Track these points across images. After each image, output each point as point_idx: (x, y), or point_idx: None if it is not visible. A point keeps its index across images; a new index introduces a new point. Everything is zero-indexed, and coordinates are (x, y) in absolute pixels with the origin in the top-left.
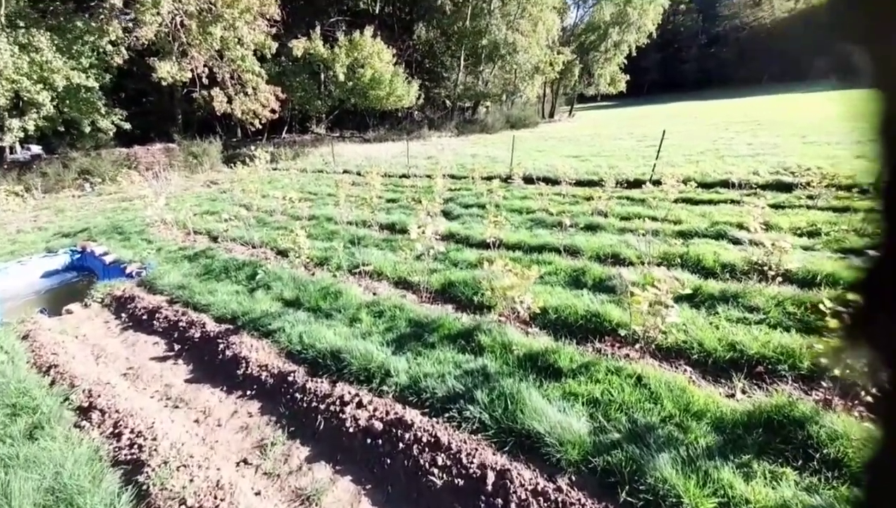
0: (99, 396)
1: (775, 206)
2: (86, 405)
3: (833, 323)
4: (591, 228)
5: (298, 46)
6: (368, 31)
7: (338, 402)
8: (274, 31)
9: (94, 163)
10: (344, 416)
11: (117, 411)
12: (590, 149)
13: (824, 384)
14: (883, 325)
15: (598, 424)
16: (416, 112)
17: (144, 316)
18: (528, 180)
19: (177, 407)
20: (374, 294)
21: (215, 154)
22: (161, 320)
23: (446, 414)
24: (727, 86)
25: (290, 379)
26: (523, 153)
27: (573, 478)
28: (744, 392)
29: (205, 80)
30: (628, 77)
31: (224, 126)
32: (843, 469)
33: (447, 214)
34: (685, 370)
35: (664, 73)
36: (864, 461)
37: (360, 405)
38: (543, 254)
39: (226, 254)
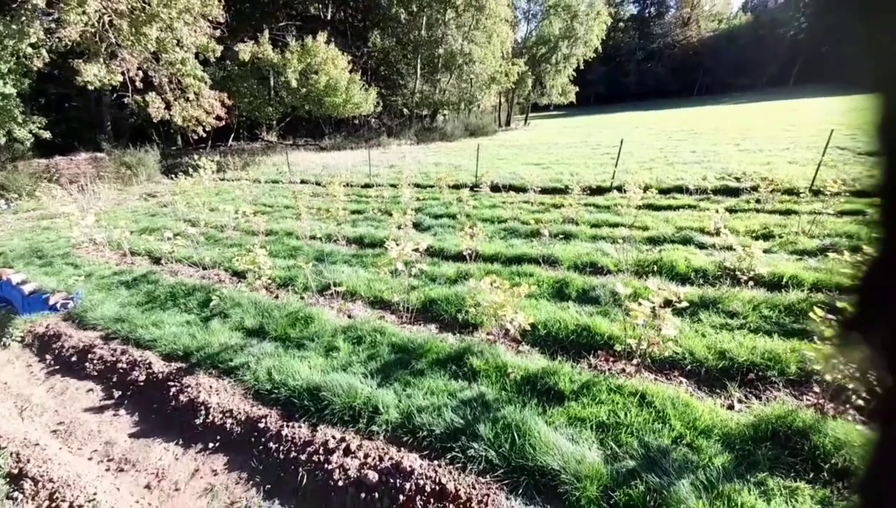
0: (28, 461)
1: (729, 210)
2: (16, 471)
3: (829, 331)
4: (565, 236)
5: (245, 50)
6: (322, 36)
7: (321, 450)
8: (218, 33)
9: (9, 177)
10: (330, 467)
11: (51, 480)
12: (549, 157)
13: (815, 388)
14: (881, 328)
15: (611, 451)
16: (374, 120)
17: (74, 358)
18: (495, 188)
19: (122, 469)
20: (350, 317)
21: (152, 164)
22: (95, 361)
23: (448, 455)
24: (663, 98)
25: (262, 425)
26: (486, 161)
27: None
28: (741, 401)
29: (139, 84)
30: (577, 88)
31: (162, 134)
32: (851, 478)
33: (417, 226)
34: (681, 382)
35: (608, 85)
36: (861, 463)
37: (347, 451)
38: (522, 265)
39: (172, 279)
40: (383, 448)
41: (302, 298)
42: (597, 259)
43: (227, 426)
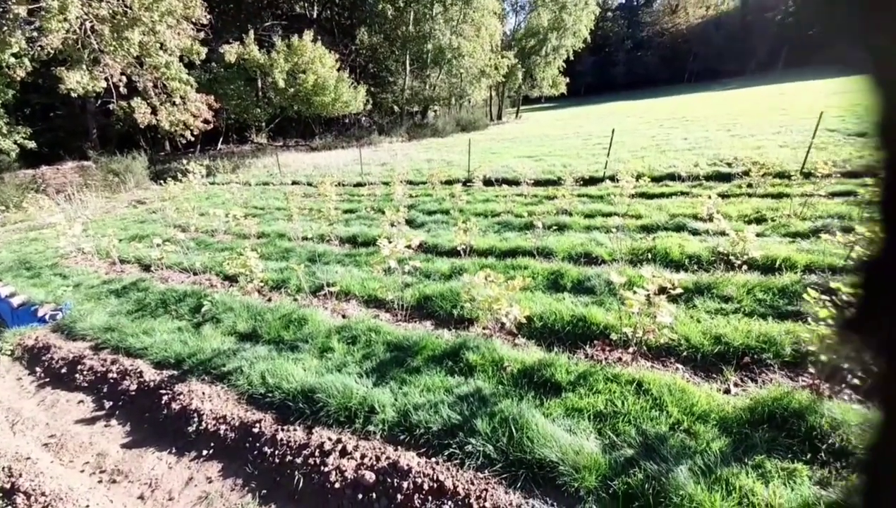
0: (21, 475)
1: (721, 196)
2: (8, 486)
3: (823, 312)
4: (559, 228)
5: (231, 52)
6: (308, 35)
7: (317, 452)
8: (202, 35)
9: None
10: (326, 469)
11: (44, 493)
12: (541, 149)
13: (811, 370)
14: (883, 322)
15: (609, 441)
16: (364, 118)
17: (64, 369)
18: (488, 182)
19: (114, 481)
20: (344, 317)
21: (140, 170)
22: (85, 372)
23: (446, 452)
24: (653, 86)
25: (256, 430)
26: (478, 155)
27: None
28: (737, 385)
29: (123, 90)
30: (568, 79)
31: (149, 139)
32: (850, 458)
33: (411, 222)
34: (677, 368)
35: (598, 75)
36: (862, 451)
37: (344, 453)
38: (517, 258)
39: (162, 285)
40: (380, 448)
41: (295, 300)
42: (591, 249)
43: (221, 432)
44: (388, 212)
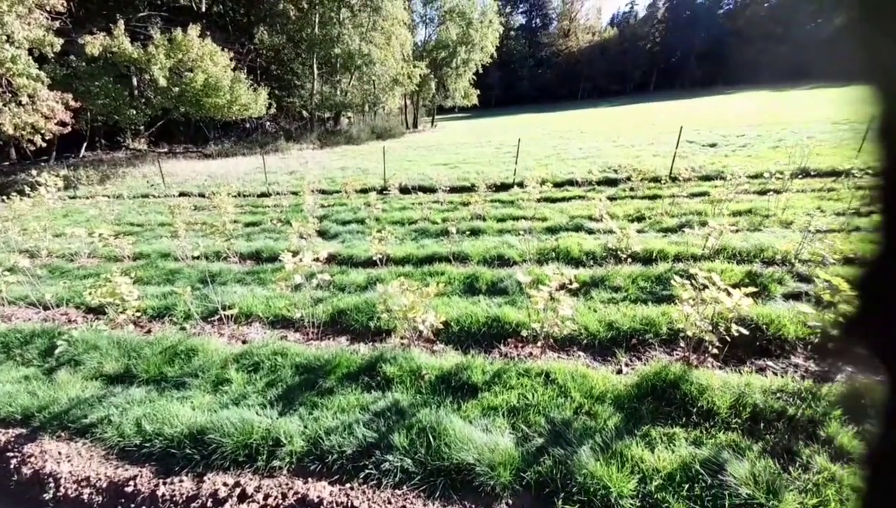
0: None
1: (610, 198)
2: None
3: (685, 294)
4: (474, 232)
5: (95, 44)
6: (194, 29)
7: (209, 503)
8: (57, 24)
9: None
10: None
11: None
12: (456, 157)
13: (682, 344)
14: (881, 325)
15: (522, 433)
16: (269, 123)
17: None
18: (405, 190)
19: None
20: (244, 342)
21: None
22: None
23: (361, 475)
24: (553, 101)
25: (130, 488)
26: (394, 163)
27: (510, 502)
28: (627, 365)
29: None
30: (479, 92)
31: None
32: (715, 417)
33: (324, 234)
34: (579, 356)
35: (505, 88)
36: (862, 456)
37: (243, 497)
38: (434, 264)
39: (2, 325)
40: (287, 484)
41: (183, 329)
42: (503, 251)
43: (85, 497)
44: (295, 223)
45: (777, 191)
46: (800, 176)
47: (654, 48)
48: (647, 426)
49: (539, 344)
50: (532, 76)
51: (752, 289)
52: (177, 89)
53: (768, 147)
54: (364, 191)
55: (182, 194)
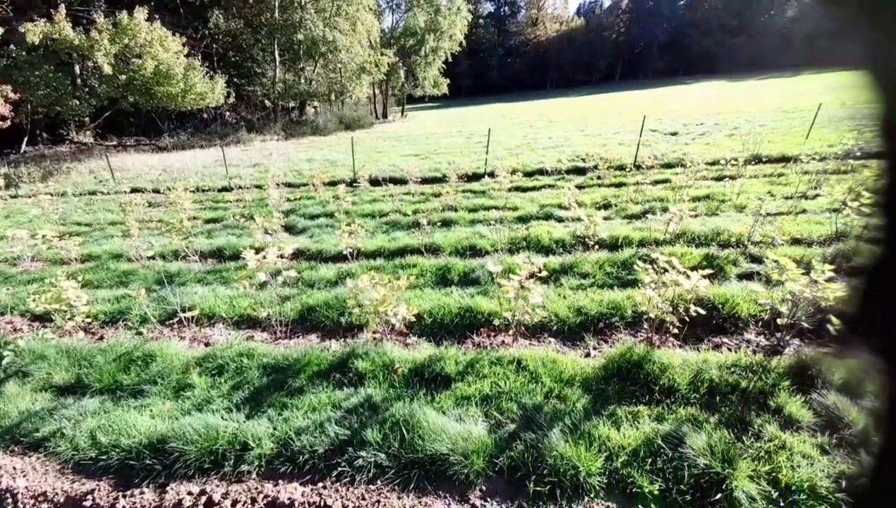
0: None
1: (578, 187)
2: None
3: (647, 278)
4: (446, 223)
5: (34, 31)
6: (141, 12)
7: None
8: None
9: None
10: None
11: None
12: (427, 148)
13: (645, 326)
14: (883, 322)
15: (495, 420)
16: (229, 113)
17: None
18: (375, 182)
19: None
20: (207, 345)
21: None
22: None
23: (334, 473)
24: (523, 90)
25: (88, 503)
26: (363, 154)
27: (484, 488)
28: (595, 348)
29: None
30: (448, 81)
31: None
32: (675, 393)
33: (291, 229)
34: (550, 342)
35: (475, 77)
36: (867, 453)
37: (210, 504)
38: (406, 257)
39: None
40: (256, 488)
41: (139, 334)
42: (475, 242)
43: None
44: (258, 218)
45: (732, 177)
46: (753, 162)
47: (619, 38)
48: (614, 405)
49: (511, 332)
50: (501, 65)
51: (708, 271)
52: (124, 77)
53: (725, 135)
54: (333, 183)
55: (134, 190)
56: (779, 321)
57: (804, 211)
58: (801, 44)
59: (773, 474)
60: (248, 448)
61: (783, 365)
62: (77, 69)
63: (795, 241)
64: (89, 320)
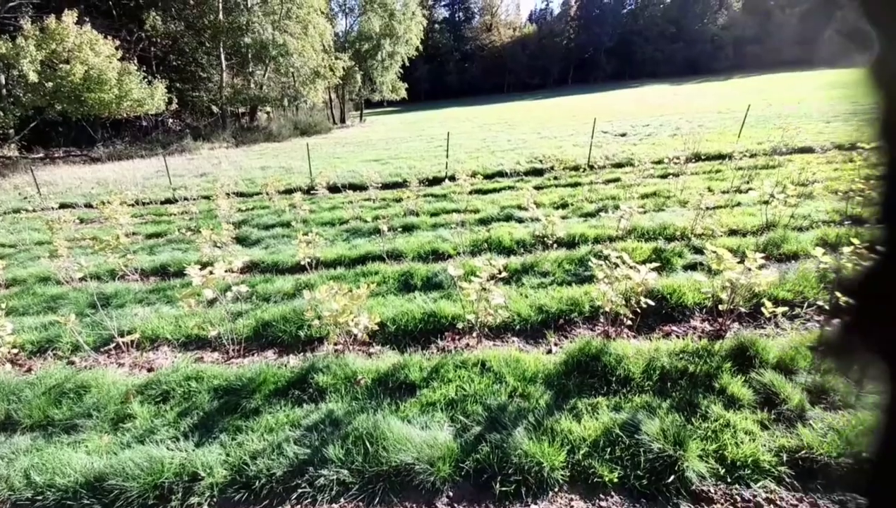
0: None
1: (536, 188)
2: None
3: (601, 273)
4: (408, 229)
5: None
6: (70, 16)
7: None
8: None
9: None
10: None
11: None
12: (387, 153)
13: (601, 319)
14: (882, 324)
15: (461, 424)
16: (172, 119)
17: None
18: (334, 189)
19: None
20: (150, 370)
21: None
22: None
23: (294, 495)
24: (480, 95)
25: None
26: (321, 161)
27: (451, 494)
28: (556, 345)
29: None
30: (407, 85)
31: None
32: (631, 382)
33: (243, 240)
34: (513, 341)
35: (434, 82)
36: (865, 456)
37: None
38: (367, 264)
39: None
40: None
41: (71, 363)
42: (438, 246)
43: None
44: (205, 230)
45: (676, 175)
46: (693, 160)
47: (570, 44)
48: (575, 399)
49: (475, 334)
50: (459, 70)
51: (657, 264)
52: (50, 84)
53: (668, 135)
54: (288, 191)
55: (63, 206)
56: (720, 307)
57: (739, 204)
58: (731, 49)
59: (720, 452)
60: (198, 479)
61: (725, 347)
62: (2, 78)
63: (732, 232)
64: (16, 350)
